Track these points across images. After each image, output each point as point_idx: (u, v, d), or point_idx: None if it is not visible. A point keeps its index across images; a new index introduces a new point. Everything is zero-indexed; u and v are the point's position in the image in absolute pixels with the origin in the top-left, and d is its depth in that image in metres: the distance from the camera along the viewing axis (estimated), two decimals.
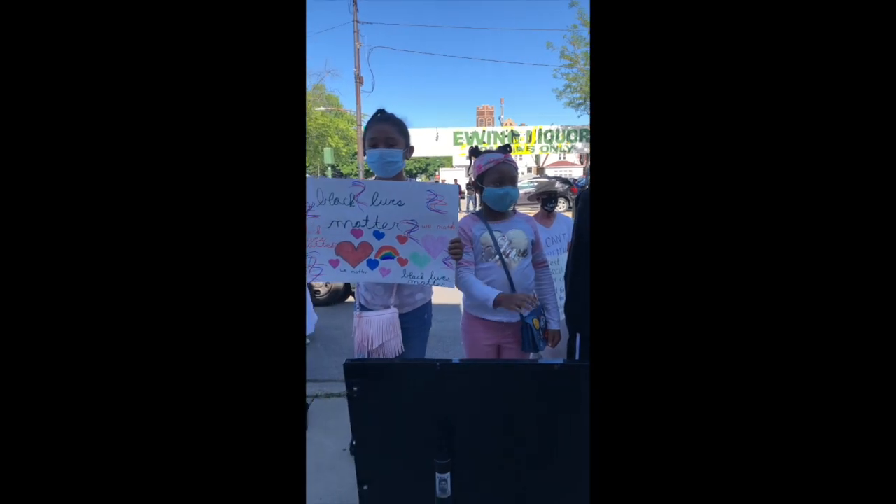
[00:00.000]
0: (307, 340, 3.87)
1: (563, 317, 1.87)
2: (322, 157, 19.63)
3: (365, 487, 1.35)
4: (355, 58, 16.94)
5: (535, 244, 1.82)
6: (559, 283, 2.04)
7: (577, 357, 1.70)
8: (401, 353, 1.73)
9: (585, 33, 16.56)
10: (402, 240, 1.62)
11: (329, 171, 18.66)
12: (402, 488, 1.36)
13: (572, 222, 2.31)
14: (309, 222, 1.59)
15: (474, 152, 1.83)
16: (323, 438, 2.34)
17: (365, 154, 1.78)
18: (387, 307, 1.74)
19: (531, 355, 1.80)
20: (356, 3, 16.67)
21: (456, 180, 15.76)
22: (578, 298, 1.65)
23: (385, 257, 1.63)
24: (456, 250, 1.62)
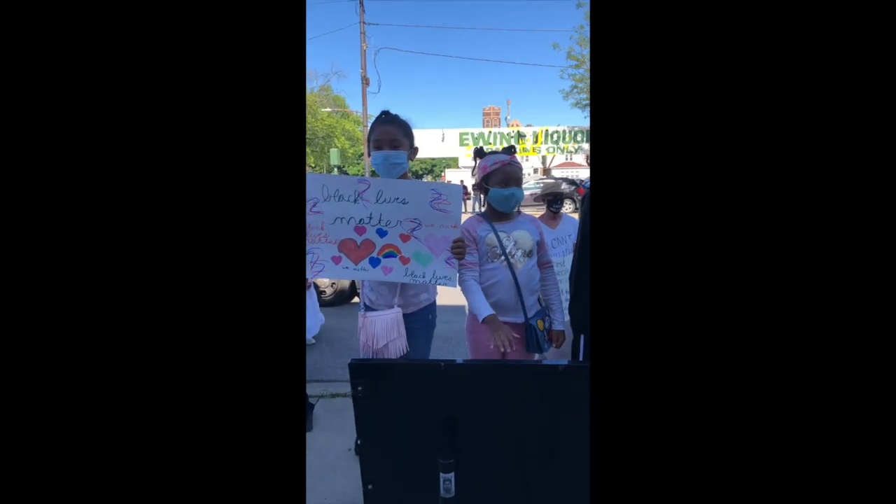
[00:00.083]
0: (312, 341, 3.88)
1: (567, 318, 1.87)
2: (328, 157, 19.71)
3: (370, 487, 1.36)
4: (362, 59, 17.01)
5: (539, 245, 1.82)
6: (565, 285, 2.04)
7: (581, 358, 1.70)
8: (405, 352, 1.73)
9: None
10: (405, 238, 1.62)
11: (335, 172, 18.72)
12: (407, 488, 1.36)
13: (578, 223, 2.30)
14: (313, 218, 1.60)
15: (479, 153, 1.83)
16: (328, 438, 2.35)
17: (370, 155, 1.79)
18: (391, 307, 1.74)
19: (535, 356, 1.80)
20: (363, 5, 16.73)
21: (462, 181, 15.76)
22: (582, 299, 1.64)
23: (387, 255, 1.63)
24: (458, 250, 1.62)
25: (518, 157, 1.78)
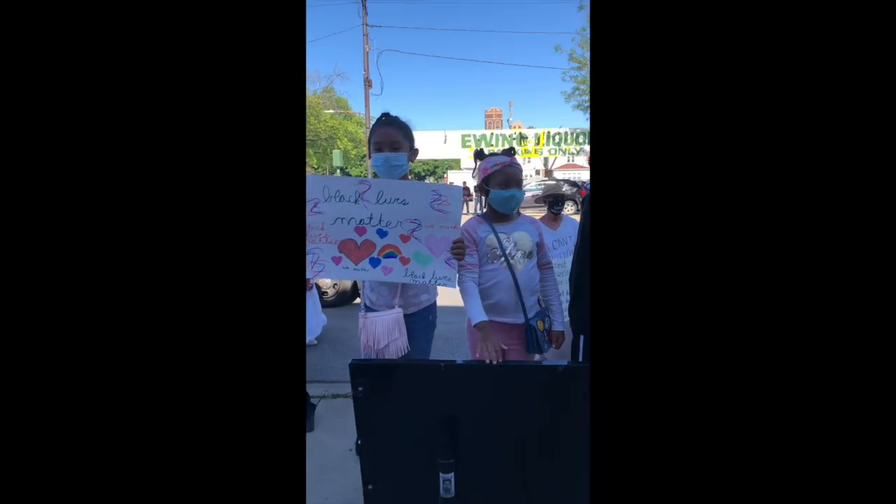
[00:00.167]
0: (315, 342, 3.89)
1: (567, 318, 1.87)
2: (331, 159, 19.75)
3: (370, 487, 1.36)
4: (364, 61, 17.04)
5: (539, 246, 1.82)
6: (566, 286, 2.05)
7: (580, 359, 1.70)
8: (406, 352, 1.74)
9: None
10: (405, 239, 1.63)
11: (338, 174, 18.76)
12: (407, 488, 1.37)
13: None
14: (314, 219, 1.60)
15: (479, 155, 1.84)
16: (329, 439, 2.35)
17: (370, 157, 1.80)
18: (391, 308, 1.75)
19: (535, 357, 1.80)
20: (365, 7, 16.77)
21: (465, 183, 15.77)
22: (582, 300, 1.65)
23: (387, 256, 1.64)
24: (458, 250, 1.63)
25: (520, 158, 1.79)
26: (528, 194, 2.02)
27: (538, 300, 1.85)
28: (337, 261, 1.64)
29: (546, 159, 18.69)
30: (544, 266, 1.86)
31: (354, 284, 5.17)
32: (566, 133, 16.64)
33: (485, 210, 1.85)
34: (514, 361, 1.72)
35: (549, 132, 16.71)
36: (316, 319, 3.44)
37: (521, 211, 1.86)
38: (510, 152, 1.79)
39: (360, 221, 1.62)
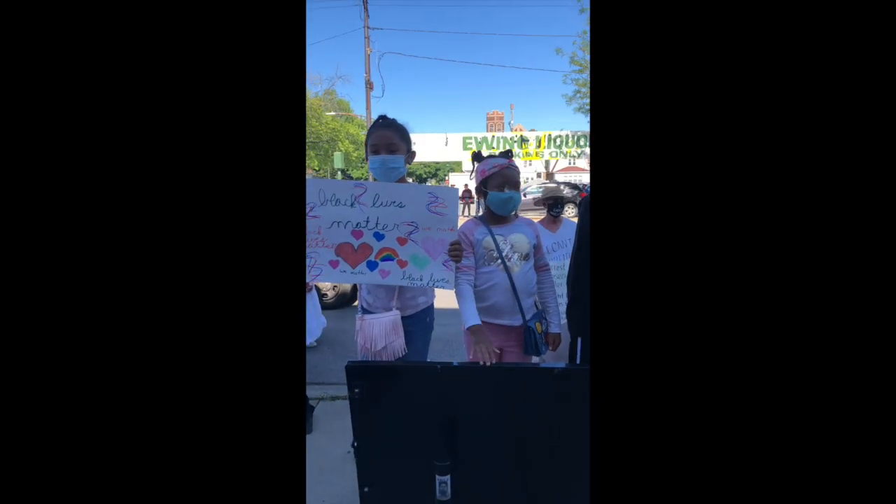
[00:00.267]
0: (314, 344, 3.89)
1: (564, 320, 1.87)
2: (332, 161, 19.78)
3: (366, 489, 1.36)
4: (366, 63, 17.06)
5: (536, 248, 1.82)
6: (564, 288, 2.05)
7: (578, 361, 1.70)
8: (403, 354, 1.74)
9: None
10: (402, 241, 1.63)
11: (339, 176, 18.79)
12: (404, 490, 1.36)
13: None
14: (310, 223, 1.60)
15: (477, 157, 1.84)
16: (327, 441, 2.35)
17: (367, 160, 1.80)
18: (389, 310, 1.75)
19: (533, 359, 1.80)
20: (367, 9, 16.81)
21: (466, 185, 15.77)
22: (580, 302, 1.65)
23: (385, 259, 1.64)
24: (455, 253, 1.63)
25: (521, 161, 1.79)
26: (528, 197, 2.01)
27: (535, 302, 1.85)
28: (334, 264, 1.64)
29: (547, 162, 18.70)
30: (541, 268, 1.86)
31: (354, 287, 5.17)
32: (567, 136, 16.63)
33: (482, 212, 1.86)
34: (512, 363, 1.72)
35: (550, 135, 16.71)
36: (316, 321, 3.45)
37: (520, 213, 1.86)
38: (508, 154, 1.79)
39: (357, 225, 1.62)
